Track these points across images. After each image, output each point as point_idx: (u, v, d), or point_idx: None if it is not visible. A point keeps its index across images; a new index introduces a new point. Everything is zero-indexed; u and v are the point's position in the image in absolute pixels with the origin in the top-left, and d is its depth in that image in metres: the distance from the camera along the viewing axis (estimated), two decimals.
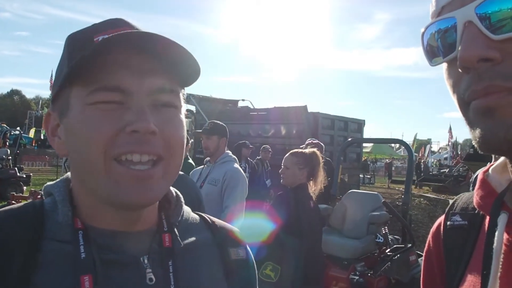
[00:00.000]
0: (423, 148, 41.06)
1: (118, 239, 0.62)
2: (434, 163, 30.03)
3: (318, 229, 3.21)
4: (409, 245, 4.45)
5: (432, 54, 0.57)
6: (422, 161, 28.10)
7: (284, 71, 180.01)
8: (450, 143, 34.76)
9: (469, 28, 0.50)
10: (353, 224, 4.84)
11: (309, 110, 11.66)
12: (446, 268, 0.70)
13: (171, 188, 0.74)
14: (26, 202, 0.65)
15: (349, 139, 9.13)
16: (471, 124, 0.52)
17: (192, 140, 7.90)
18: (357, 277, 4.11)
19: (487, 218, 0.62)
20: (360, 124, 13.64)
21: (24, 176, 11.84)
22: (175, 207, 0.73)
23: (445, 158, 33.92)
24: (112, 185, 0.57)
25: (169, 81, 0.62)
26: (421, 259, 4.48)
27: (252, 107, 14.67)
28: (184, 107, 0.69)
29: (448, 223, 0.71)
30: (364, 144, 20.03)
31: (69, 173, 0.69)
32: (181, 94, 0.66)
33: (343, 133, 12.62)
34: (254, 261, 0.81)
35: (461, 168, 20.51)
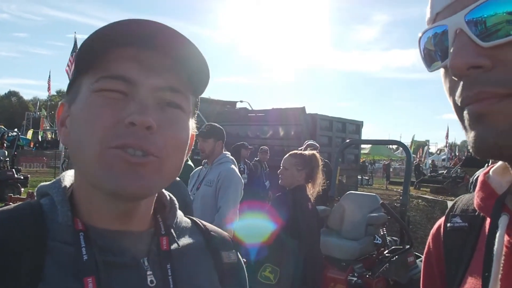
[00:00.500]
0: (421, 149, 41.17)
1: (117, 240, 0.62)
2: (429, 164, 30.05)
3: (316, 230, 3.21)
4: (407, 246, 4.45)
5: (429, 59, 0.58)
6: (420, 162, 28.14)
7: (282, 72, 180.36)
8: (447, 145, 34.87)
9: (460, 35, 0.51)
10: (351, 226, 4.84)
11: (307, 111, 11.69)
12: (446, 270, 0.69)
13: (165, 192, 0.74)
14: (20, 203, 0.64)
15: (347, 141, 9.16)
16: (466, 129, 0.53)
17: None
18: (355, 279, 4.11)
19: (488, 220, 0.62)
20: (358, 125, 13.67)
21: (22, 177, 11.79)
22: (170, 210, 0.73)
23: (443, 160, 33.99)
24: (103, 170, 0.56)
25: (178, 82, 0.62)
26: (420, 260, 4.49)
27: (250, 108, 14.70)
28: (193, 113, 0.68)
29: (448, 225, 0.71)
30: (362, 146, 20.07)
31: (64, 174, 0.69)
32: (190, 98, 0.65)
33: (341, 135, 12.65)
34: (243, 265, 0.81)
35: (459, 170, 20.56)
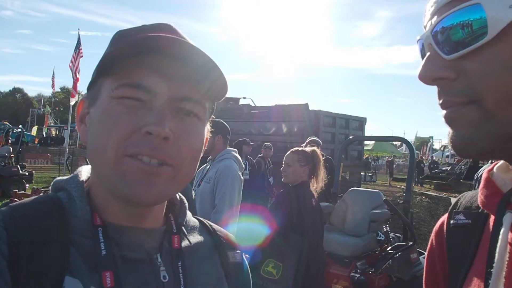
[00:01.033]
0: (424, 146, 41.02)
1: (132, 236, 0.64)
2: (429, 161, 29.94)
3: (320, 226, 3.22)
4: (411, 243, 4.45)
5: None
6: (422, 159, 28.05)
7: (285, 68, 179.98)
8: None
9: (430, 49, 0.56)
10: (354, 222, 4.84)
11: (311, 107, 11.66)
12: (449, 266, 0.69)
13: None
14: (40, 195, 0.65)
15: (351, 137, 9.16)
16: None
17: None
18: (358, 275, 4.12)
19: (491, 217, 0.62)
20: (361, 122, 13.64)
21: (27, 173, 11.86)
22: (180, 209, 0.75)
23: (447, 156, 33.87)
24: (119, 177, 0.58)
25: (195, 91, 0.63)
26: (423, 257, 4.49)
27: (253, 104, 14.68)
28: (208, 118, 0.69)
29: (452, 222, 0.71)
30: (366, 142, 20.00)
31: (80, 169, 0.71)
32: (207, 107, 0.67)
33: (344, 131, 12.63)
34: (248, 266, 0.83)
35: (463, 166, 20.50)
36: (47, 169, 19.45)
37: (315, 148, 3.34)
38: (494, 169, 0.64)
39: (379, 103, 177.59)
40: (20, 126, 20.63)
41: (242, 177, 3.33)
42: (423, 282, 0.79)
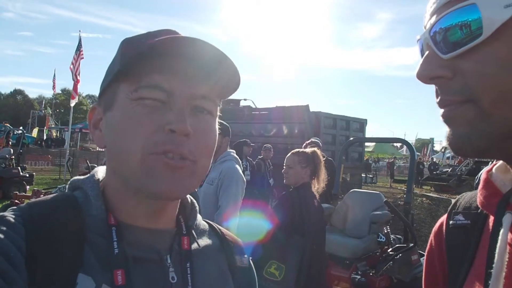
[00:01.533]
0: (425, 147, 41.00)
1: (144, 236, 0.66)
2: (429, 162, 29.88)
3: (322, 228, 3.22)
4: (411, 244, 4.45)
5: None
6: (422, 160, 28.01)
7: (285, 70, 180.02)
8: None
9: (428, 49, 0.57)
10: (355, 223, 4.84)
11: (311, 109, 11.67)
12: (448, 267, 0.69)
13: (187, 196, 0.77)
14: (57, 194, 0.68)
15: (351, 139, 9.14)
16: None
17: None
18: (358, 277, 4.11)
19: (491, 217, 0.62)
20: (362, 123, 13.64)
21: (27, 175, 11.86)
22: (191, 212, 0.76)
23: (448, 158, 33.81)
24: (144, 174, 0.60)
25: (210, 90, 0.65)
26: (423, 259, 4.51)
27: (254, 106, 14.69)
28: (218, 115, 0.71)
29: (451, 222, 0.71)
30: (366, 144, 20.00)
31: (96, 169, 0.73)
32: (218, 104, 0.69)
33: (345, 133, 12.63)
34: (254, 271, 0.84)
35: (463, 168, 20.48)
36: (48, 171, 19.45)
37: (315, 149, 3.34)
38: (493, 170, 0.64)
39: (380, 105, 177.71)
40: (21, 127, 20.65)
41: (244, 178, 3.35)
42: (423, 283, 0.79)
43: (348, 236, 4.73)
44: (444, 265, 0.71)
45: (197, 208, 0.78)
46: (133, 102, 0.61)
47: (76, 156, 18.30)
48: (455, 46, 0.53)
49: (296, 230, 2.92)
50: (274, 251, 2.93)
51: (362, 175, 16.59)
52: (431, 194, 15.95)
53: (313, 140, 6.34)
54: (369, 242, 4.54)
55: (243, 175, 3.30)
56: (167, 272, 0.65)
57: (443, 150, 37.21)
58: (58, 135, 33.92)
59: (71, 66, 14.60)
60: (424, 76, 0.56)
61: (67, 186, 0.72)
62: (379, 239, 4.47)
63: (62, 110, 56.63)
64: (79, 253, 0.58)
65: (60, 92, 60.32)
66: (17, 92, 68.75)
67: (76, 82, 14.58)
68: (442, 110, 0.57)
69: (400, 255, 4.24)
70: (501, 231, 0.56)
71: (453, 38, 0.53)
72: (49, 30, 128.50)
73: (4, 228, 0.55)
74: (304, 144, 5.92)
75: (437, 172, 22.95)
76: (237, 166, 3.31)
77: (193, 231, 0.74)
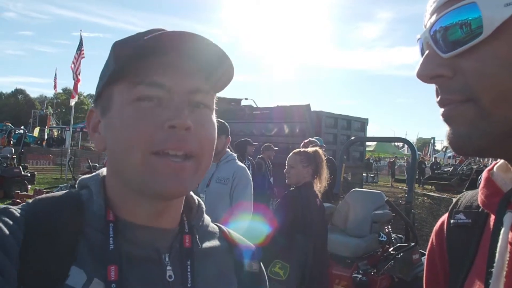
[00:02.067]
0: (426, 146, 40.94)
1: (144, 234, 0.66)
2: (431, 162, 29.81)
3: (324, 227, 3.23)
4: (412, 243, 4.45)
5: None
6: (423, 160, 27.98)
7: (286, 69, 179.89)
8: None
9: (428, 48, 0.57)
10: (356, 223, 4.84)
11: (312, 109, 11.66)
12: (449, 266, 0.70)
13: (194, 196, 0.78)
14: (64, 191, 0.70)
15: (352, 138, 9.15)
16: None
17: None
18: (360, 276, 4.12)
19: (492, 216, 0.62)
20: (363, 122, 13.62)
21: (29, 174, 11.90)
22: (197, 212, 0.76)
23: (449, 157, 33.76)
24: (148, 174, 0.60)
25: (206, 83, 0.65)
26: (425, 258, 4.50)
27: (255, 105, 14.68)
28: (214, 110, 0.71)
29: (452, 221, 0.71)
30: (367, 143, 19.98)
31: (103, 169, 0.73)
32: (214, 97, 0.69)
33: (346, 132, 12.61)
34: (266, 277, 0.83)
35: (465, 167, 20.46)
36: (49, 170, 19.49)
37: (317, 148, 3.34)
38: (494, 169, 0.64)
39: (381, 104, 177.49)
40: (22, 127, 20.67)
41: None
42: (424, 281, 0.79)
43: (349, 236, 4.73)
44: (445, 264, 0.71)
45: (204, 209, 0.78)
46: (130, 102, 0.61)
47: (77, 155, 18.31)
48: (455, 45, 0.53)
49: (298, 230, 2.92)
50: (278, 251, 2.93)
51: (363, 174, 16.57)
52: (432, 194, 15.95)
53: (311, 139, 6.34)
54: (371, 242, 4.54)
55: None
56: (165, 270, 0.65)
57: (444, 149, 37.16)
58: (59, 134, 33.95)
59: (72, 66, 14.62)
60: (424, 75, 0.56)
61: (76, 184, 0.74)
62: (380, 239, 4.47)
63: (63, 110, 56.66)
64: (74, 247, 0.60)
65: (61, 91, 60.38)
66: (18, 92, 68.83)
67: (76, 81, 14.59)
68: (442, 109, 0.57)
69: (401, 254, 4.24)
70: (502, 230, 0.56)
71: (453, 37, 0.53)
72: (50, 29, 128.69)
73: (6, 219, 0.58)
74: (303, 143, 5.92)
75: (439, 171, 22.94)
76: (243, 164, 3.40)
77: (196, 231, 0.74)
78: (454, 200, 0.76)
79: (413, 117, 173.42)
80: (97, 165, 9.85)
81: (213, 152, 0.68)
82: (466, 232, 0.67)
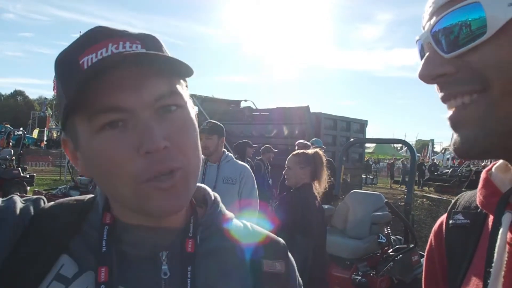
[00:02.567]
0: (425, 148, 40.95)
1: (142, 234, 0.65)
2: (429, 163, 29.76)
3: (323, 229, 3.23)
4: (412, 245, 4.45)
5: None
6: (423, 161, 27.98)
7: (286, 71, 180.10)
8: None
9: (429, 49, 0.58)
10: (356, 224, 4.84)
11: (312, 110, 11.66)
12: (448, 266, 0.70)
13: (211, 192, 0.76)
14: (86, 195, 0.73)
15: (352, 139, 9.13)
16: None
17: None
18: (359, 277, 4.12)
19: (490, 217, 0.62)
20: (362, 124, 13.63)
21: (28, 176, 11.86)
22: (208, 211, 0.72)
23: (447, 159, 33.75)
24: (141, 202, 0.59)
25: (166, 84, 0.60)
26: (424, 259, 4.50)
27: (254, 107, 14.68)
28: (189, 100, 0.67)
29: (450, 222, 0.71)
30: (367, 144, 19.99)
31: None
32: (182, 89, 0.63)
33: (345, 133, 12.62)
34: (300, 280, 0.79)
35: (464, 169, 20.47)
36: (48, 172, 19.46)
37: (317, 149, 3.34)
38: (493, 169, 0.65)
39: (380, 106, 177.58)
40: (21, 128, 20.63)
41: None
42: (423, 282, 0.79)
43: (348, 237, 4.73)
44: (443, 264, 0.71)
45: (219, 206, 0.74)
46: (94, 135, 0.58)
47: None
48: (457, 45, 0.53)
49: (297, 231, 2.92)
50: None
51: (363, 176, 16.58)
52: (431, 195, 15.94)
53: (300, 141, 6.35)
54: (370, 243, 4.54)
55: None
56: (159, 267, 0.63)
57: (443, 151, 37.17)
58: (58, 135, 33.87)
59: None
60: (427, 75, 0.57)
61: (68, 187, 0.77)
62: (379, 240, 4.47)
63: None
64: (68, 239, 0.63)
65: None
66: (17, 93, 68.81)
67: None
68: (449, 113, 0.57)
69: (401, 256, 4.24)
70: (501, 230, 0.56)
71: (455, 37, 0.53)
72: (49, 31, 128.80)
73: (20, 206, 0.64)
74: (296, 146, 5.94)
75: (438, 173, 22.95)
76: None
77: (204, 230, 0.69)
78: (453, 200, 0.76)
79: (413, 118, 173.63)
80: None
81: (199, 152, 0.65)
82: (464, 233, 0.67)
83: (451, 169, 23.19)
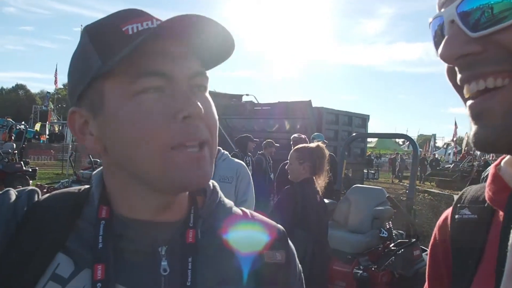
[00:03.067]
0: (427, 143, 40.89)
1: (142, 229, 0.63)
2: (430, 158, 29.71)
3: (324, 223, 3.23)
4: (413, 240, 4.45)
5: (437, 46, 0.59)
6: (425, 156, 27.95)
7: (287, 65, 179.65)
8: (454, 139, 34.56)
9: (452, 27, 0.54)
10: (357, 219, 4.84)
11: (313, 104, 11.62)
12: (453, 261, 0.68)
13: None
14: (76, 187, 0.71)
15: (354, 134, 9.13)
16: (471, 122, 0.55)
17: None
18: (361, 271, 4.12)
19: (499, 212, 0.60)
20: (364, 119, 13.59)
21: (30, 170, 11.93)
22: (209, 200, 0.71)
23: (449, 154, 33.70)
24: (169, 170, 0.58)
25: (201, 65, 0.63)
26: (425, 254, 4.47)
27: (256, 101, 14.64)
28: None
29: (456, 216, 0.69)
30: (369, 139, 19.98)
31: None
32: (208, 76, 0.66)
33: (347, 128, 12.59)
34: (299, 266, 0.78)
35: (466, 164, 20.46)
36: (51, 166, 19.52)
37: (319, 144, 3.33)
38: (502, 164, 0.63)
39: (382, 100, 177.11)
40: (23, 122, 20.64)
41: None
42: (426, 277, 0.78)
43: (350, 232, 4.73)
44: (448, 258, 0.70)
45: (219, 195, 0.73)
46: (131, 97, 0.57)
47: (78, 150, 18.25)
48: (488, 23, 0.50)
49: (298, 225, 2.92)
50: None
51: (364, 170, 16.56)
52: (433, 190, 15.94)
53: (295, 135, 6.34)
54: (371, 237, 4.54)
55: None
56: (159, 264, 0.62)
57: (445, 146, 37.13)
58: (60, 129, 33.89)
59: None
60: (450, 55, 0.53)
61: (70, 180, 0.75)
62: (381, 235, 4.47)
63: (64, 105, 56.57)
64: (61, 237, 0.61)
65: (62, 87, 60.28)
66: (19, 87, 68.73)
67: None
68: (471, 102, 0.54)
69: (402, 250, 4.25)
70: None
71: (486, 15, 0.50)
72: (50, 25, 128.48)
73: (10, 200, 0.62)
74: (292, 140, 5.93)
75: (440, 168, 22.94)
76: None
77: (205, 221, 0.68)
78: (458, 194, 0.74)
79: (414, 113, 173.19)
80: (98, 160, 9.83)
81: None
82: (471, 228, 0.65)
83: (452, 164, 23.20)
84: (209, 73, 0.66)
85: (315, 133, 7.83)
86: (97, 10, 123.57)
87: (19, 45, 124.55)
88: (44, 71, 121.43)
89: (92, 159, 9.51)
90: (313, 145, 3.31)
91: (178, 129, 0.57)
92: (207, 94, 0.64)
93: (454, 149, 32.16)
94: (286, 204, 3.03)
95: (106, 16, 0.64)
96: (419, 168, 21.95)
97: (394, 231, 4.76)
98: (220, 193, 0.75)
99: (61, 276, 0.58)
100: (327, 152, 3.26)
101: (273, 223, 0.79)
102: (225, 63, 0.66)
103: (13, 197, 0.63)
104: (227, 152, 3.49)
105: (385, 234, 4.47)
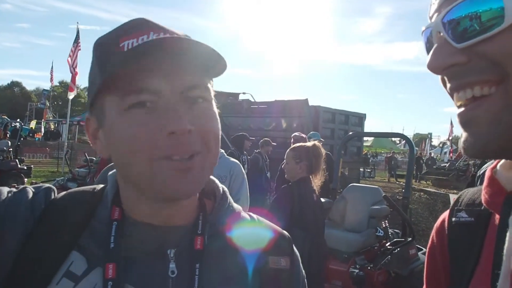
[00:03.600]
0: (423, 142, 41.08)
1: (152, 232, 0.65)
2: (426, 156, 29.88)
3: (321, 221, 3.23)
4: (409, 239, 4.47)
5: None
6: (421, 155, 28.09)
7: (285, 64, 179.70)
8: (450, 138, 34.73)
9: (439, 38, 0.56)
10: (354, 218, 4.86)
11: (310, 103, 11.64)
12: (451, 264, 0.69)
13: (220, 185, 0.77)
14: (94, 186, 0.73)
15: (350, 133, 9.13)
16: (461, 129, 0.57)
17: None
18: (357, 270, 4.14)
19: (496, 215, 0.61)
20: (361, 117, 13.64)
21: (25, 167, 11.85)
22: (217, 206, 0.73)
23: (445, 153, 33.85)
24: (156, 180, 0.60)
25: (198, 76, 0.63)
26: (421, 253, 4.48)
27: (253, 100, 14.65)
28: (214, 98, 0.69)
29: (453, 219, 0.70)
30: (365, 138, 20.02)
31: None
32: (210, 86, 0.67)
33: (344, 127, 12.63)
34: (303, 272, 0.79)
35: (462, 163, 20.57)
36: (46, 163, 19.42)
37: (315, 142, 3.33)
38: (498, 167, 0.64)
39: (379, 99, 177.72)
40: (18, 120, 20.55)
41: None
42: (424, 279, 0.78)
43: (346, 231, 4.75)
44: (446, 261, 0.71)
45: (229, 200, 0.75)
46: (122, 112, 0.60)
47: (74, 148, 18.22)
48: (471, 34, 0.52)
49: (295, 224, 2.93)
50: None
51: (360, 169, 16.62)
52: (429, 189, 16.01)
53: (296, 134, 6.35)
54: (368, 237, 4.56)
55: None
56: (167, 265, 0.64)
57: (441, 145, 37.30)
58: (55, 127, 33.78)
59: (69, 59, 14.53)
60: (437, 66, 0.55)
61: (65, 178, 0.75)
62: (377, 234, 4.48)
63: (60, 103, 56.42)
64: (75, 236, 0.63)
65: (58, 84, 60.00)
66: (14, 84, 68.41)
67: (74, 74, 14.52)
68: (460, 110, 0.55)
69: (398, 249, 4.26)
70: (508, 231, 0.55)
71: (469, 27, 0.52)
72: (47, 22, 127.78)
73: (28, 198, 0.65)
74: (292, 139, 5.95)
75: (436, 166, 23.07)
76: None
77: (213, 226, 0.70)
78: (452, 196, 0.75)
79: (411, 112, 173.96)
80: (94, 158, 9.79)
81: (219, 143, 0.67)
82: (468, 231, 0.66)
83: (448, 163, 23.31)
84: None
85: (312, 132, 7.84)
86: (93, 8, 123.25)
87: (15, 42, 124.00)
88: (40, 69, 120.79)
89: (87, 158, 9.47)
90: (309, 144, 3.31)
91: (163, 143, 0.59)
92: (207, 104, 0.65)
93: (450, 148, 32.32)
94: (283, 203, 3.04)
95: (114, 29, 0.68)
96: (415, 167, 22.12)
97: (390, 230, 4.78)
98: (230, 198, 0.77)
99: (75, 274, 0.61)
100: (323, 151, 3.26)
101: (279, 229, 0.80)
102: None
103: (30, 195, 0.66)
104: (222, 151, 3.49)
105: (381, 233, 4.48)
